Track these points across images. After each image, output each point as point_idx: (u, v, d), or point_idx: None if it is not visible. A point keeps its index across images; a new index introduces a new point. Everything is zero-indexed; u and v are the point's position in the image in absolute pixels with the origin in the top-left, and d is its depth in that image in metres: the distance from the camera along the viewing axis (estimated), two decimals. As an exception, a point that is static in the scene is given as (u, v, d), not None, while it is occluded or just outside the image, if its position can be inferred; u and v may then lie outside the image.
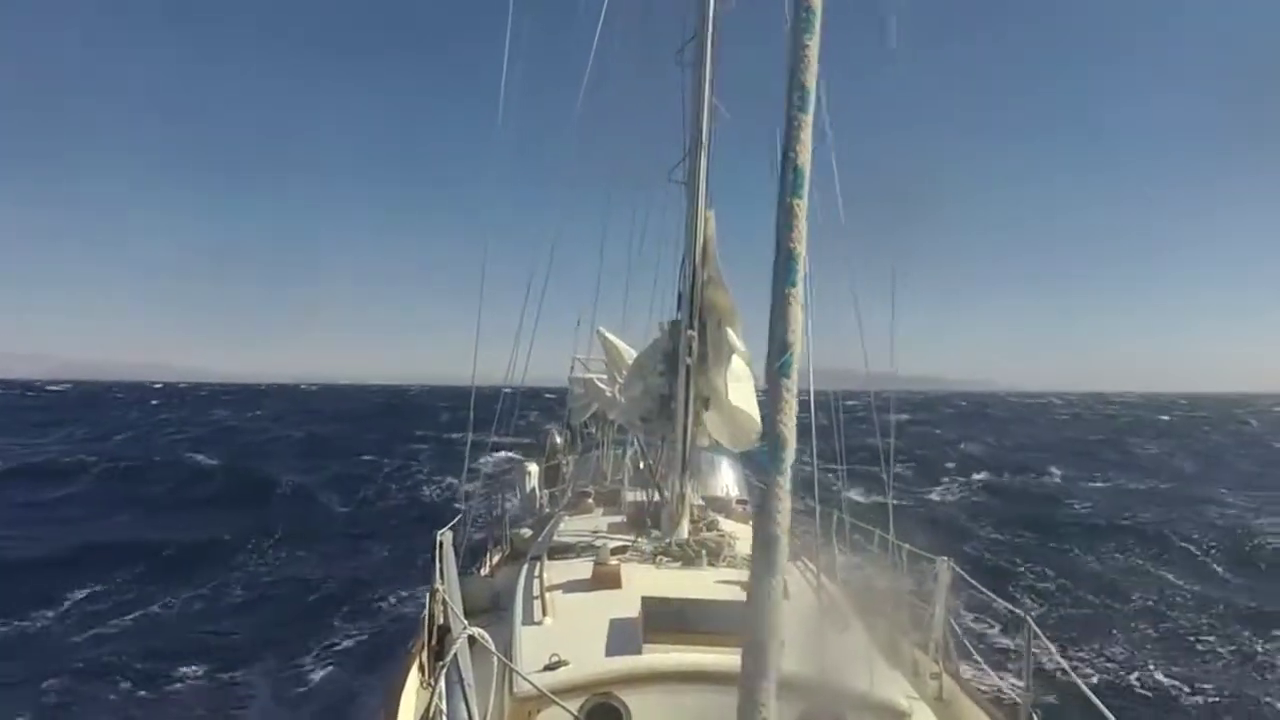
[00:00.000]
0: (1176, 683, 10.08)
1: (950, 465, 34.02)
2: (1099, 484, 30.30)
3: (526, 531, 8.09)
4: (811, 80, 1.05)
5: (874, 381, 6.96)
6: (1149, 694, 9.85)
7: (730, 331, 6.46)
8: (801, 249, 1.09)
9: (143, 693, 9.36)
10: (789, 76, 1.06)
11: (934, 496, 26.32)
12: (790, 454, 1.22)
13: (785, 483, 1.23)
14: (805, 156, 1.06)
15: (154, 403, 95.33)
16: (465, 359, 7.43)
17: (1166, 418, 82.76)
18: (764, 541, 1.19)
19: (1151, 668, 10.56)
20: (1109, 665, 10.74)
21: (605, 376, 9.74)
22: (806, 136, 1.06)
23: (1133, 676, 10.33)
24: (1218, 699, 9.63)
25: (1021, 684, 4.57)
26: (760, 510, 1.22)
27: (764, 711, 1.23)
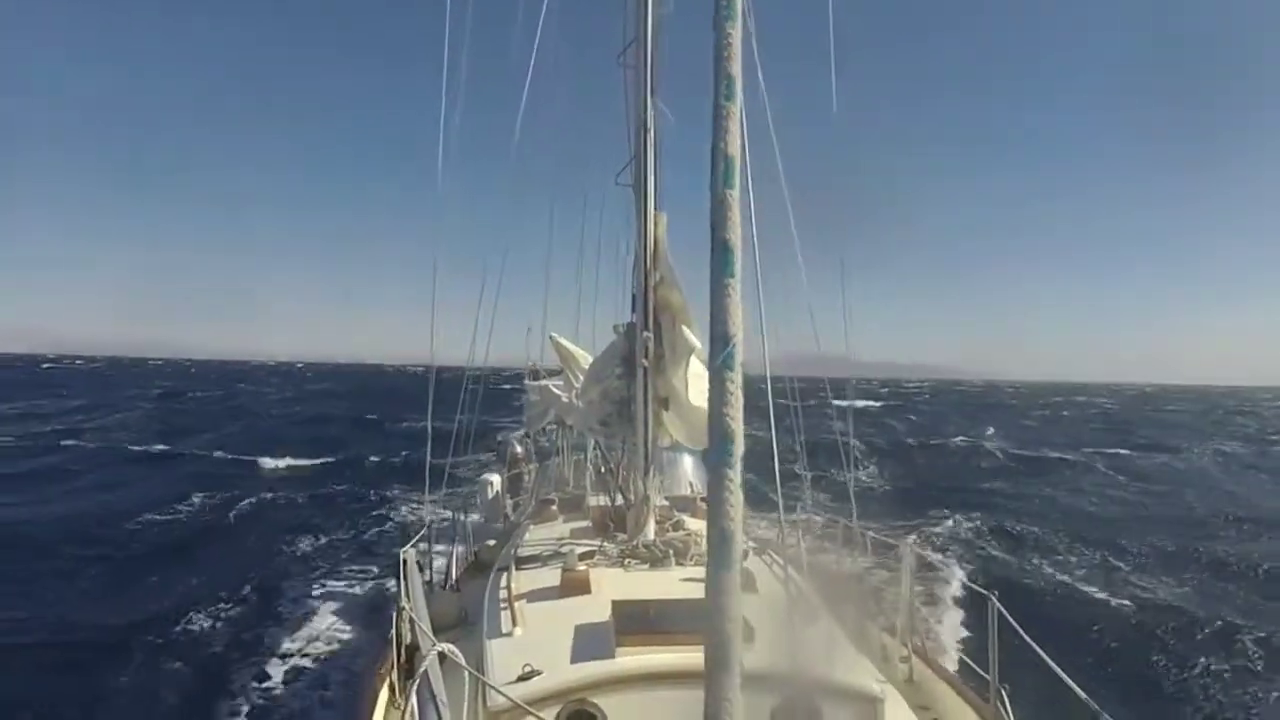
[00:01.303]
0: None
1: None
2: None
3: (491, 543, 8.00)
4: (736, 69, 1.04)
5: (833, 368, 7.07)
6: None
7: (686, 330, 6.47)
8: (736, 239, 1.08)
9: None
10: (714, 65, 1.04)
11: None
12: (739, 447, 1.21)
13: (735, 476, 1.22)
14: (735, 146, 1.05)
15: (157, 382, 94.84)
16: (461, 341, 7.95)
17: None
18: (718, 537, 1.18)
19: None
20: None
21: (560, 383, 9.70)
22: (735, 126, 1.05)
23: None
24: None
25: (989, 662, 4.64)
26: (712, 506, 1.22)
27: (729, 706, 1.22)
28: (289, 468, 27.87)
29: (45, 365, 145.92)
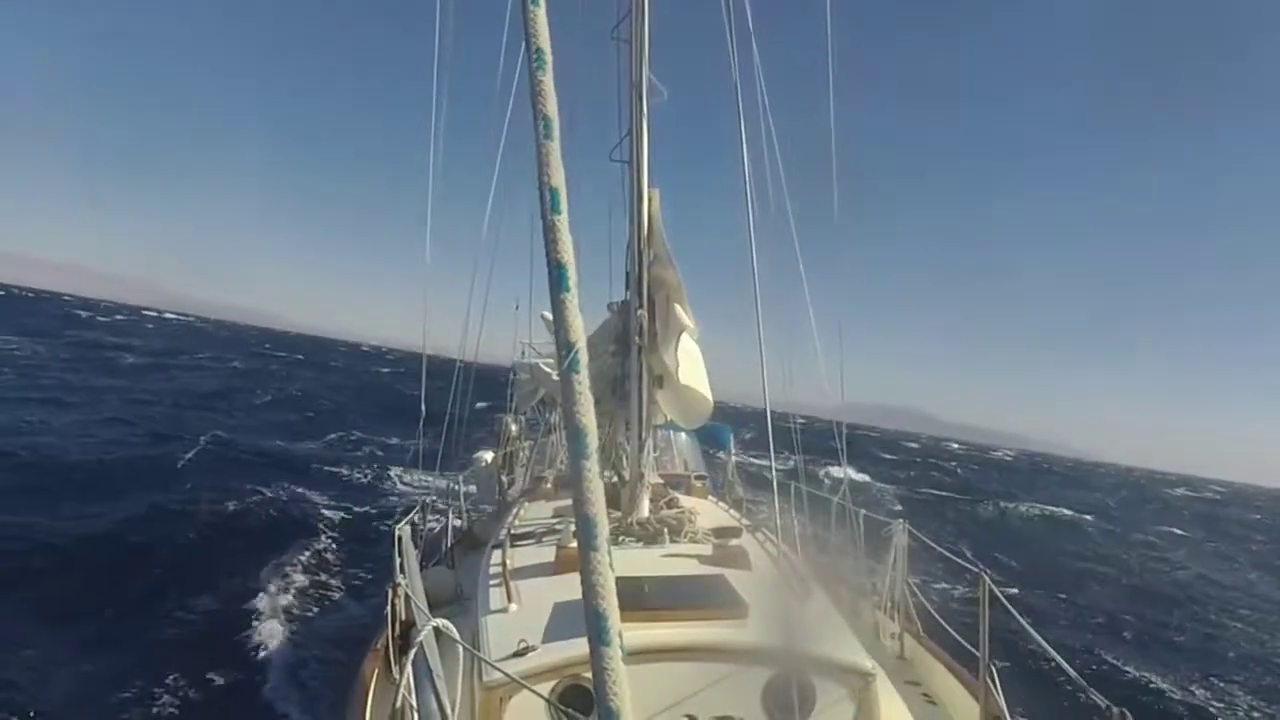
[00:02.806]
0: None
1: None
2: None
3: (486, 519, 8.10)
4: (553, 110, 1.15)
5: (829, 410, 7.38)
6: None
7: (679, 308, 6.53)
8: (569, 258, 1.19)
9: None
10: (531, 107, 1.16)
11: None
12: (593, 439, 1.33)
13: (592, 466, 1.34)
14: (558, 179, 1.17)
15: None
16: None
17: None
18: (584, 522, 1.30)
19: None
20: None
21: (551, 360, 9.79)
22: (556, 160, 1.17)
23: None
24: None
25: (980, 639, 4.69)
26: (576, 494, 1.33)
27: (614, 677, 1.33)
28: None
29: (147, 313, 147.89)
